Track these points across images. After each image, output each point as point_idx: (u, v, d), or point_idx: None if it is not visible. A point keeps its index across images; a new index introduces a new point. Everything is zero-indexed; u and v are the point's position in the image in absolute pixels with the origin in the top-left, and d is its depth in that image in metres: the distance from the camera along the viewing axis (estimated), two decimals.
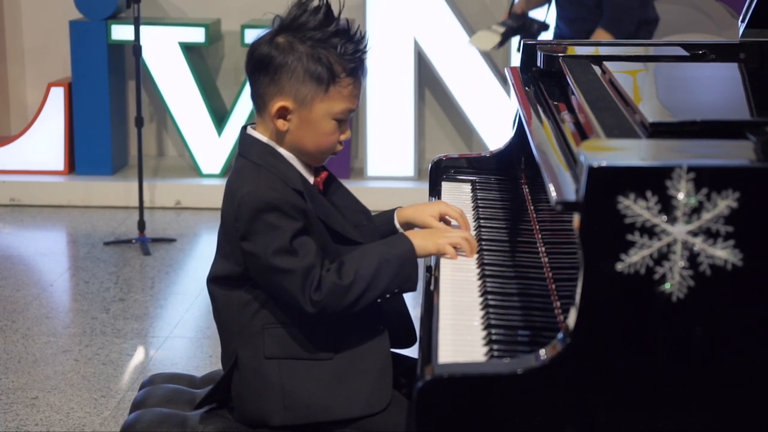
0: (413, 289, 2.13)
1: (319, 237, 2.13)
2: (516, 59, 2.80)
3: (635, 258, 1.67)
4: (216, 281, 2.21)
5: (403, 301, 2.28)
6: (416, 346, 2.13)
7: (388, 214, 2.36)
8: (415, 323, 2.24)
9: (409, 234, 2.19)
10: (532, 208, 2.50)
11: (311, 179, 2.20)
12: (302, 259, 2.06)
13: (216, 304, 2.22)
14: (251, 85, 2.18)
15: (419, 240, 2.17)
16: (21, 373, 3.81)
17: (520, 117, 2.69)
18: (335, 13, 2.14)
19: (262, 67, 2.13)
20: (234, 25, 6.21)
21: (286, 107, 2.13)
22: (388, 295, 2.11)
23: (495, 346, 1.86)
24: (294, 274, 2.06)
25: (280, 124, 2.15)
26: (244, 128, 2.23)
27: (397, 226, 2.35)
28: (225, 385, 2.21)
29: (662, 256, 1.66)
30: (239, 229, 2.10)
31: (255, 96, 2.18)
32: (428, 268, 2.24)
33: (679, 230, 1.66)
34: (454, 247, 2.21)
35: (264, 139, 2.18)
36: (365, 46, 2.16)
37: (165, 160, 6.44)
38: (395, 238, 2.19)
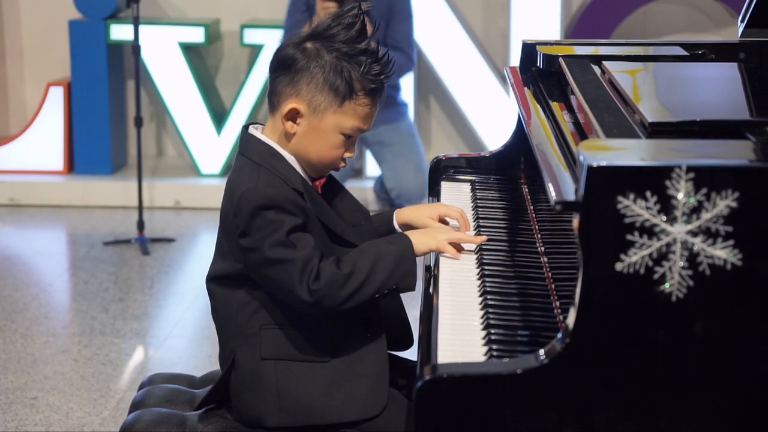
0: (412, 288, 2.12)
1: (318, 237, 2.13)
2: (516, 59, 2.80)
3: (635, 258, 1.66)
4: (215, 280, 2.21)
5: (401, 302, 2.28)
6: (415, 347, 2.13)
7: (387, 215, 2.36)
8: (414, 323, 2.23)
9: (409, 233, 2.19)
10: (531, 208, 2.50)
11: (310, 182, 2.20)
12: (300, 250, 2.06)
13: (215, 303, 2.22)
14: (270, 82, 2.20)
15: (418, 237, 2.17)
16: (20, 373, 3.80)
17: (519, 117, 2.69)
18: (368, 33, 2.15)
19: (284, 66, 2.15)
20: (233, 25, 6.21)
21: (298, 110, 2.14)
22: (386, 292, 2.10)
23: (494, 346, 1.86)
24: (292, 263, 2.05)
25: (289, 126, 2.15)
26: (245, 127, 2.24)
27: (396, 227, 2.35)
28: (223, 386, 2.21)
29: (662, 256, 1.66)
30: (238, 225, 2.10)
31: (271, 94, 2.19)
32: (427, 268, 2.24)
33: (679, 230, 1.66)
34: (455, 245, 2.21)
35: (266, 139, 2.18)
36: (389, 71, 2.16)
37: (164, 160, 6.43)
38: (394, 236, 2.19)
